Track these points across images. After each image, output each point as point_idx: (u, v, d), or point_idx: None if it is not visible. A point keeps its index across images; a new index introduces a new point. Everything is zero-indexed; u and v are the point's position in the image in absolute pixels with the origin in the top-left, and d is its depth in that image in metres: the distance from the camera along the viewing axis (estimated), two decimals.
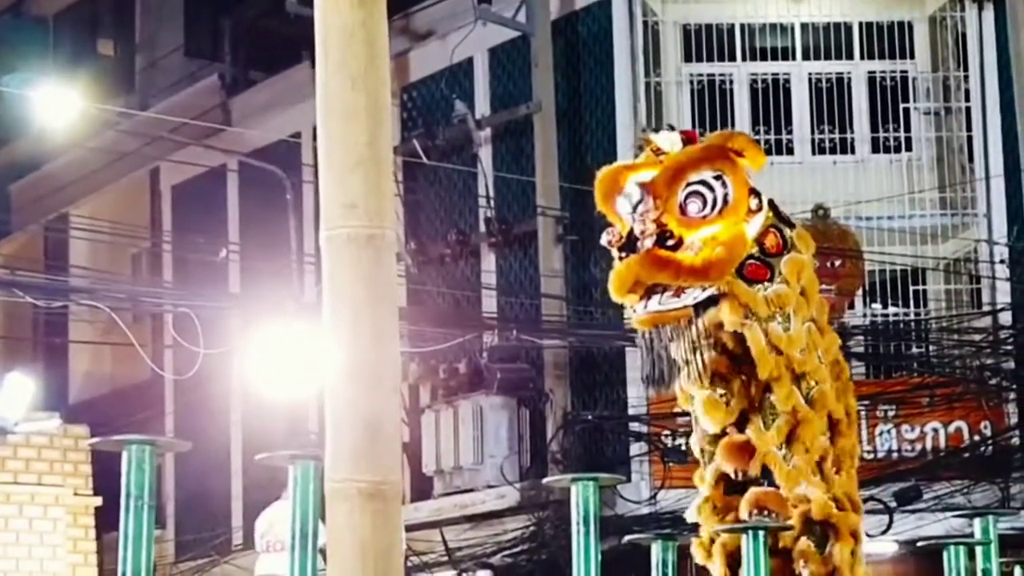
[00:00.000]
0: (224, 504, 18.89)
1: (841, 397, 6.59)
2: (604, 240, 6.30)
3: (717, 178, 6.30)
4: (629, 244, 6.22)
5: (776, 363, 6.37)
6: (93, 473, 14.25)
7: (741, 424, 6.47)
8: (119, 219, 18.03)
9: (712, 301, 6.26)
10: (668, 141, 6.44)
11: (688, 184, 6.28)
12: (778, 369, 6.38)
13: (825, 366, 6.53)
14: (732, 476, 6.48)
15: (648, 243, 6.19)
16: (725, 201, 6.27)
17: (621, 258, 6.25)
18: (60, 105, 15.18)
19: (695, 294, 6.23)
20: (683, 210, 6.24)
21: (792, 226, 6.61)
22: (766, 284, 6.36)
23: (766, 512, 6.38)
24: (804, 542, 6.36)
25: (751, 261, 6.36)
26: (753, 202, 6.38)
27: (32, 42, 22.88)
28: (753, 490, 6.44)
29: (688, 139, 6.46)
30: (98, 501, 14.15)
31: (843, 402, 6.60)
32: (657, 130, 6.53)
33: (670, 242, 6.19)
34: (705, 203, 6.25)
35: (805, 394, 6.44)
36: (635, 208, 6.27)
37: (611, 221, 6.36)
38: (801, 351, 6.43)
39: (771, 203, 6.54)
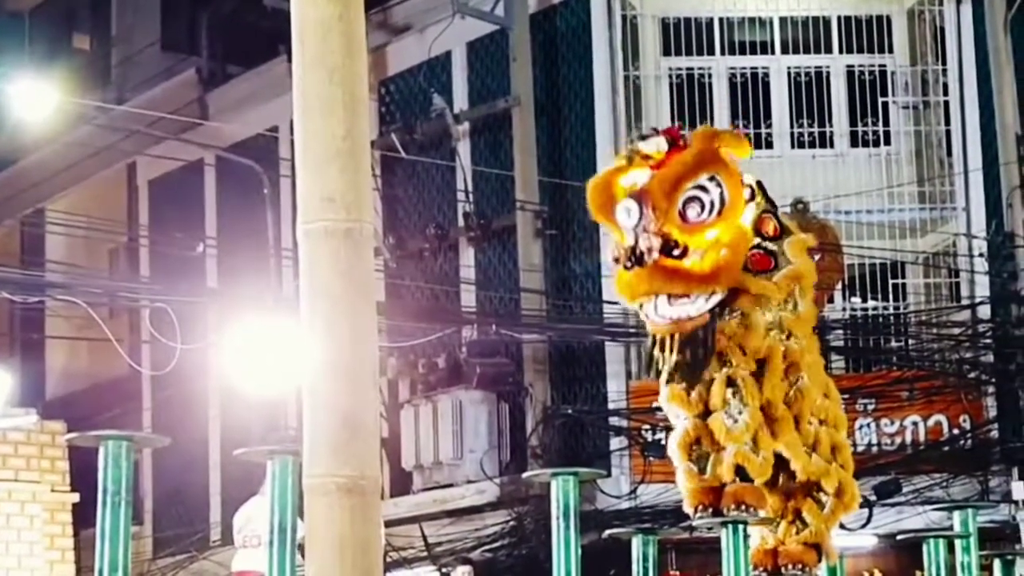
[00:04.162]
0: (202, 500, 18.83)
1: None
2: (610, 259, 6.38)
3: (711, 179, 6.37)
4: (636, 258, 6.28)
5: (769, 347, 6.50)
6: (70, 469, 14.17)
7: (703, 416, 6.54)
8: (96, 214, 17.93)
9: (726, 302, 6.35)
10: (653, 144, 6.48)
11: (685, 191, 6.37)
12: (769, 353, 6.51)
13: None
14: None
15: (655, 255, 6.25)
16: (722, 201, 6.35)
17: (627, 267, 6.31)
18: (36, 100, 15.10)
19: (706, 295, 6.32)
20: (683, 217, 6.31)
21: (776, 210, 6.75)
22: (771, 272, 6.51)
23: (743, 506, 6.43)
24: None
25: (754, 251, 6.47)
26: (746, 192, 6.48)
27: (8, 37, 22.79)
28: (731, 486, 6.50)
29: (672, 138, 6.50)
30: (75, 497, 14.07)
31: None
32: (644, 138, 6.58)
33: (676, 251, 6.25)
34: (703, 207, 6.33)
35: (793, 382, 6.58)
36: (636, 224, 6.33)
37: (610, 231, 6.45)
38: (795, 338, 6.57)
39: (759, 185, 6.62)
